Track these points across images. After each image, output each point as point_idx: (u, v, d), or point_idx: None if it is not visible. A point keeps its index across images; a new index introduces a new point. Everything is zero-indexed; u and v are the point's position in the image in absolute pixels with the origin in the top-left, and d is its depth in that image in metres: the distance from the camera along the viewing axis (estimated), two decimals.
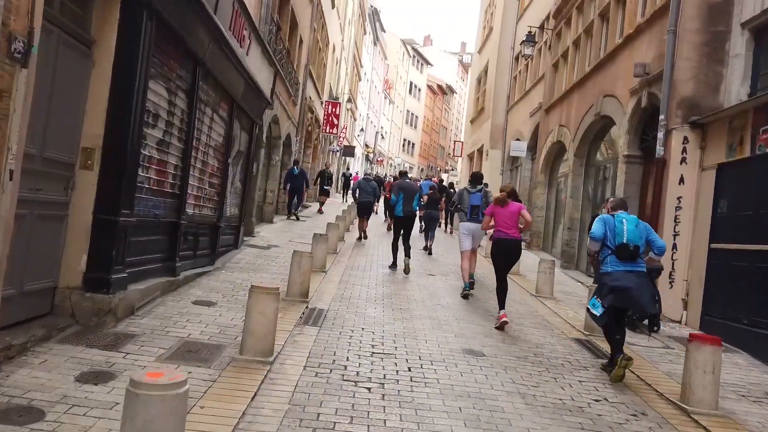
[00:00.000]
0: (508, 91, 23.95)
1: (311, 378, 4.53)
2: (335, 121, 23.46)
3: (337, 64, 29.31)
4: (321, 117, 23.91)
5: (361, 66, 44.19)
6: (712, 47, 8.22)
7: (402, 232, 10.20)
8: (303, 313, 6.52)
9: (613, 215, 5.57)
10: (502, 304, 6.98)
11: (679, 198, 8.21)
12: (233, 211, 9.99)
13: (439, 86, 77.74)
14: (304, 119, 19.96)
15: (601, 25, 12.31)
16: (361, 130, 46.11)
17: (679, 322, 8.07)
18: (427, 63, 73.71)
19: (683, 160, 8.21)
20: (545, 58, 18.81)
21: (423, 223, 13.65)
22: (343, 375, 4.68)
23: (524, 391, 4.79)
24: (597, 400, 4.83)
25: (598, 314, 5.41)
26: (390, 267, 10.31)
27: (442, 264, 11.88)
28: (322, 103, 24.05)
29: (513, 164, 23.08)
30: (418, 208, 10.59)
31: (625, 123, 10.09)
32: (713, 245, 7.63)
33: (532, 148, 19.95)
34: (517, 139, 20.55)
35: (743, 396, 5.36)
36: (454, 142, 30.71)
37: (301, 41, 17.44)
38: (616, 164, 11.01)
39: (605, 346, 5.97)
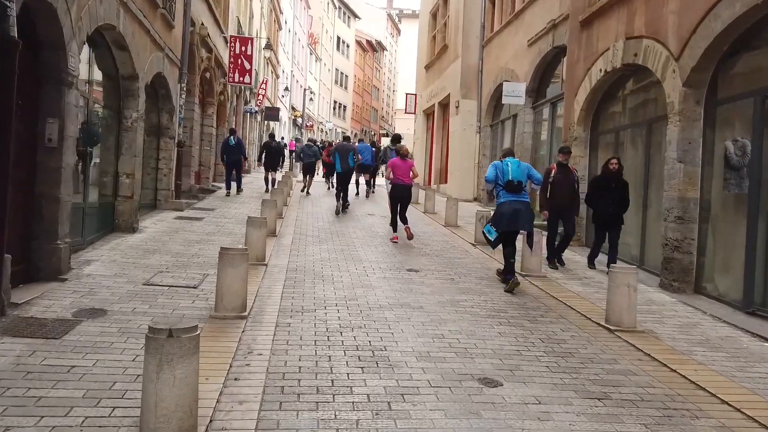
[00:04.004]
0: (482, 18, 17.75)
1: None
2: (247, 66, 16.46)
3: None
4: (226, 62, 16.82)
5: (281, 12, 36.60)
6: None
7: (342, 184, 12.64)
8: None
9: (501, 161, 7.12)
10: (395, 228, 9.67)
11: None
12: None
13: (369, 42, 70.86)
14: (195, 57, 12.93)
15: None
16: (286, 89, 38.71)
17: None
18: (355, 16, 66.50)
19: None
20: None
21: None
22: None
23: None
24: None
25: (493, 239, 6.91)
26: (335, 213, 12.31)
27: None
28: (226, 41, 16.93)
29: (495, 117, 17.08)
30: (353, 164, 12.97)
31: None
32: None
33: (534, 91, 14.00)
34: (506, 81, 14.49)
35: None
36: (406, 95, 24.31)
37: None
38: None
39: None
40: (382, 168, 15.59)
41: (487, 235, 6.96)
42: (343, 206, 12.45)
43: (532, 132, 14.00)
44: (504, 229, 6.77)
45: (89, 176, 7.51)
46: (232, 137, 14.82)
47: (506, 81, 14.47)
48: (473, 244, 9.78)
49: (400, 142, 12.20)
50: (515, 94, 13.90)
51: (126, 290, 5.64)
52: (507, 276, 6.79)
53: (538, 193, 8.41)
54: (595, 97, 9.78)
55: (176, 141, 11.72)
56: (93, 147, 7.72)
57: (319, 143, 22.51)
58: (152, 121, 11.08)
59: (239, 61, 16.35)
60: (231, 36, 16.75)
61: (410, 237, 9.33)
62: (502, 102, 14.49)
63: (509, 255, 6.81)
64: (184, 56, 11.64)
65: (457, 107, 18.57)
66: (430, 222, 12.75)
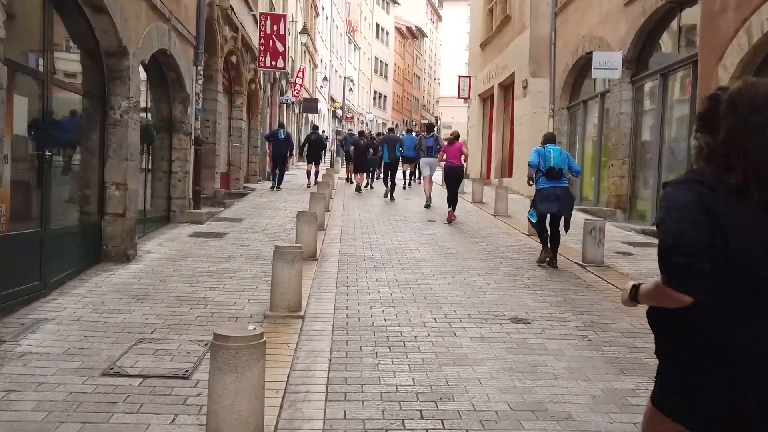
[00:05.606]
0: None
1: None
2: (280, 47, 14.19)
3: None
4: (256, 44, 14.58)
5: None
6: None
7: (389, 173, 13.93)
8: None
9: (544, 147, 7.31)
10: (450, 205, 10.38)
11: None
12: None
13: (409, 29, 68.07)
14: (216, 35, 10.70)
15: None
16: (325, 79, 36.50)
17: None
18: (394, 2, 63.75)
19: None
20: None
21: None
22: None
23: None
24: None
25: (535, 221, 7.17)
26: (384, 196, 13.53)
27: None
28: (256, 21, 14.68)
29: (574, 98, 14.30)
30: (399, 154, 14.63)
31: None
32: None
33: (634, 61, 11.18)
34: (591, 52, 11.68)
35: None
36: (459, 78, 21.63)
37: None
38: None
39: None
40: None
41: (531, 219, 7.33)
42: (390, 193, 13.48)
43: (632, 113, 11.19)
44: (544, 212, 7.05)
45: (50, 190, 5.29)
46: (281, 130, 15.00)
47: (593, 51, 11.69)
48: (583, 266, 7.19)
49: (433, 129, 13.68)
50: (608, 66, 11.12)
51: (68, 392, 3.34)
52: (544, 252, 7.29)
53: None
54: (754, 59, 6.99)
55: (193, 137, 9.53)
56: (57, 150, 5.51)
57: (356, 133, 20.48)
58: (162, 114, 8.92)
59: (270, 42, 14.08)
60: (261, 13, 14.49)
61: (450, 220, 10.24)
62: (592, 76, 11.74)
63: (544, 231, 7.21)
64: (199, 32, 9.40)
65: (524, 87, 15.82)
66: (507, 229, 10.20)
